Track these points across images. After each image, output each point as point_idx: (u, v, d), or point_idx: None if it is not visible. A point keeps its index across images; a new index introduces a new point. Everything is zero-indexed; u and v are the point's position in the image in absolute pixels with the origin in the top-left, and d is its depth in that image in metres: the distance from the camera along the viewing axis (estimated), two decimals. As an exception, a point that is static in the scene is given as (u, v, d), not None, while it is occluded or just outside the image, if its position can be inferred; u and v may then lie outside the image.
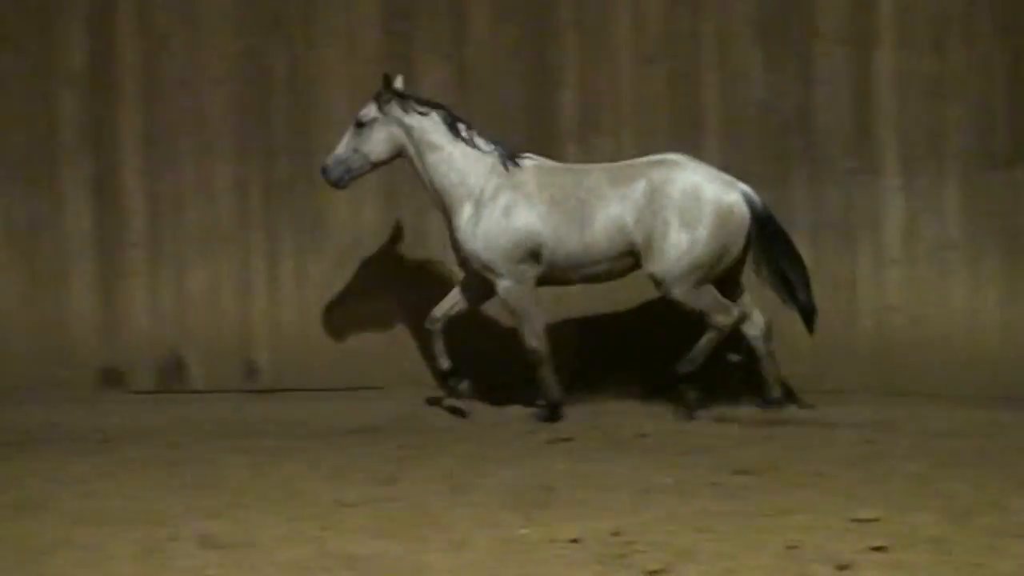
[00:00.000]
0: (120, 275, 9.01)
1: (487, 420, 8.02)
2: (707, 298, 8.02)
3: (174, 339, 9.05)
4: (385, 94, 8.17)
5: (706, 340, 8.05)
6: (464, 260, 8.22)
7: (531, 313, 8.15)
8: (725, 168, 8.17)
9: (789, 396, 8.27)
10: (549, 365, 8.16)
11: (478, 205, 8.09)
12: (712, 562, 5.15)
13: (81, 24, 8.87)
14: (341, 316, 9.05)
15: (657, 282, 8.02)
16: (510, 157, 8.21)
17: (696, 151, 8.40)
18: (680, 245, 7.90)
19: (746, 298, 8.15)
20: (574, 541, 5.42)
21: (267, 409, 8.47)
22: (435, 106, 8.25)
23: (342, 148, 8.19)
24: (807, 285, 8.12)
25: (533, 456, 7.10)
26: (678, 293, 7.98)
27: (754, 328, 8.17)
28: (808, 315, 8.13)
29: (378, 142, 8.17)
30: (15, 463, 7.01)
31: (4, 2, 8.80)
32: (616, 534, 5.51)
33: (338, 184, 8.24)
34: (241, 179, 9.02)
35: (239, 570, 5.16)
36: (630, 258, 8.09)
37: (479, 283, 8.22)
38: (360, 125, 8.18)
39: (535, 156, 8.29)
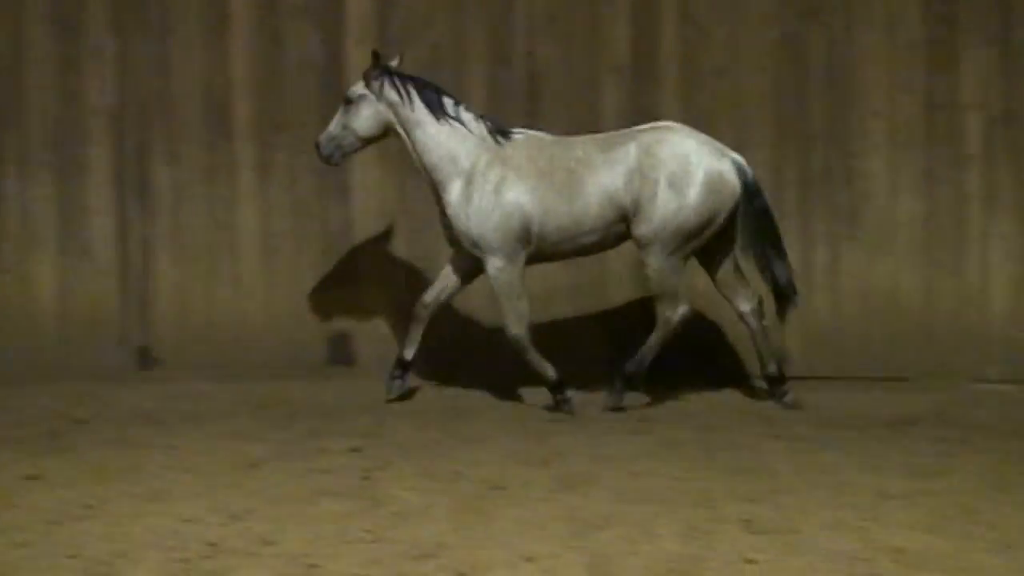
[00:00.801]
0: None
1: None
2: (672, 279, 7.86)
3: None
4: (372, 71, 8.13)
5: (653, 340, 7.93)
6: (454, 239, 8.12)
7: (518, 296, 7.99)
8: None
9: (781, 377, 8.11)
10: (533, 351, 8.01)
11: (468, 182, 7.99)
12: None
13: (626, 14, 9.10)
14: (869, 305, 8.98)
15: (640, 243, 7.86)
16: (499, 131, 8.12)
17: None
18: (668, 207, 7.75)
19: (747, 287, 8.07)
20: None
21: (800, 397, 8.44)
22: (423, 82, 8.19)
23: (333, 125, 8.21)
24: (786, 266, 7.95)
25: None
26: (653, 258, 7.81)
27: (746, 304, 8.04)
28: (783, 296, 7.97)
29: (365, 119, 8.14)
30: (562, 438, 7.32)
31: (555, -4, 9.16)
32: None
33: (329, 160, 8.26)
34: (777, 166, 9.03)
35: (783, 556, 5.19)
36: (622, 225, 7.93)
37: (468, 262, 8.13)
38: (349, 102, 8.18)
39: (524, 130, 8.22)
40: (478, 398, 8.44)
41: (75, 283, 9.15)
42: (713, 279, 8.16)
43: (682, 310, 7.90)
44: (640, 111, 9.05)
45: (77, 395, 8.38)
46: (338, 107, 8.18)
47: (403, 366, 8.30)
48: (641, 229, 7.83)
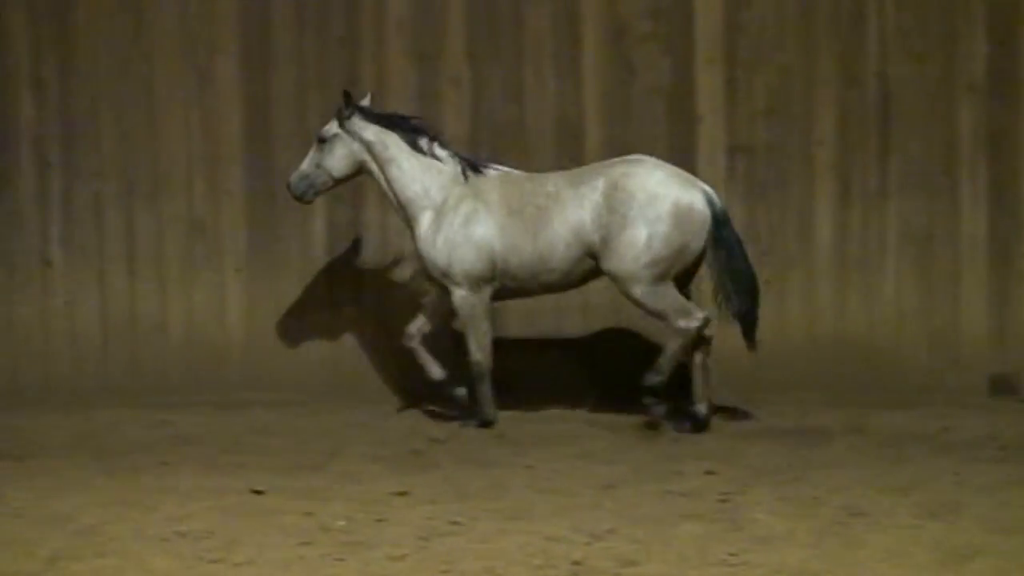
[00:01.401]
0: (1014, 282, 8.94)
1: None
2: (668, 299, 7.90)
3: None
4: (346, 110, 8.26)
5: (670, 348, 7.96)
6: (425, 269, 8.32)
7: (481, 326, 8.18)
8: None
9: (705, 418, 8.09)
10: (488, 381, 8.20)
11: (439, 214, 8.16)
12: None
13: (983, 30, 8.89)
14: None
15: (614, 278, 7.97)
16: (473, 167, 8.26)
17: None
18: (637, 241, 7.82)
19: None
20: None
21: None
22: (396, 120, 8.33)
23: (306, 164, 8.37)
24: (753, 296, 8.03)
25: None
26: (637, 292, 7.90)
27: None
28: (747, 325, 8.04)
29: (340, 158, 8.30)
30: (921, 465, 7.16)
31: (909, 15, 8.97)
32: None
33: (302, 199, 8.43)
34: None
35: None
36: (590, 261, 8.03)
37: (446, 294, 8.26)
38: (322, 141, 8.32)
39: (499, 166, 8.35)
40: (823, 422, 8.32)
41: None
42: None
43: (700, 315, 7.92)
44: (998, 131, 8.86)
45: (433, 416, 8.65)
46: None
47: (444, 383, 8.47)
48: (612, 263, 7.92)
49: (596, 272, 8.13)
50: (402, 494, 6.62)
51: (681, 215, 7.88)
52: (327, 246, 9.45)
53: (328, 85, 9.31)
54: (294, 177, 8.42)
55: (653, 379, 8.02)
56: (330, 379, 9.38)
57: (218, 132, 9.33)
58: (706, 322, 7.96)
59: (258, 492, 6.68)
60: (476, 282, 8.14)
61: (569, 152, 9.27)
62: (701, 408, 8.11)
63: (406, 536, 5.88)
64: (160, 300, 9.42)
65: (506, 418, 8.45)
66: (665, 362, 8.01)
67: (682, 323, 7.90)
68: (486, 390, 8.25)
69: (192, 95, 9.32)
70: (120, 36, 9.26)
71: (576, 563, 5.49)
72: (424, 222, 8.22)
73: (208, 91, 9.33)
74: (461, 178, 8.26)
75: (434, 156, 8.30)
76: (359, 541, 5.82)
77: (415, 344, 8.43)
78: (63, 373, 9.37)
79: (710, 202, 7.97)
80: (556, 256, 8.04)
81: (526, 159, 9.28)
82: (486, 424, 8.25)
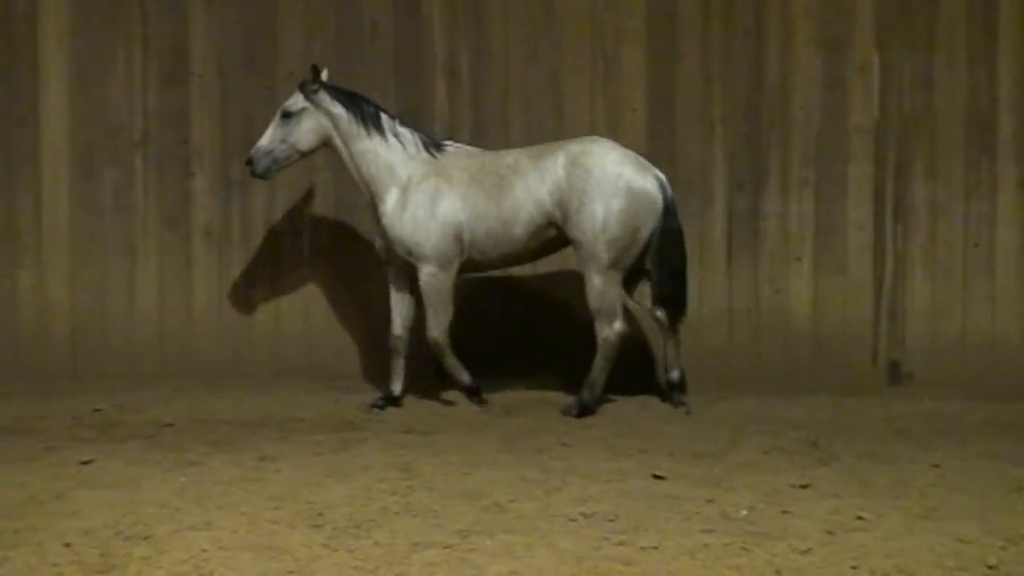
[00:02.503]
0: None
1: None
2: (609, 294, 8.08)
3: None
4: (311, 84, 8.30)
5: (599, 361, 8.17)
6: (389, 247, 8.36)
7: (444, 304, 8.30)
8: None
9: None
10: (451, 355, 8.41)
11: (404, 191, 8.24)
12: None
13: None
14: None
15: (578, 255, 8.13)
16: (433, 144, 8.38)
17: None
18: (596, 216, 7.99)
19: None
20: None
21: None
22: (357, 97, 8.36)
23: (267, 139, 8.33)
24: (683, 288, 8.28)
25: None
26: (595, 274, 8.05)
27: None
28: (674, 310, 8.30)
29: (306, 132, 8.33)
30: None
31: None
32: None
33: (265, 176, 8.42)
34: None
35: None
36: (549, 231, 8.18)
37: (404, 275, 8.43)
38: (287, 115, 8.31)
39: (457, 143, 8.52)
40: None
41: (830, 297, 9.32)
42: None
43: (618, 327, 8.12)
44: None
45: (830, 407, 8.55)
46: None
47: (392, 402, 8.55)
48: (574, 235, 8.09)
49: (555, 245, 8.34)
50: (804, 486, 6.55)
51: (635, 195, 8.08)
52: (726, 234, 9.43)
53: (733, 76, 9.32)
54: (256, 153, 8.42)
55: (588, 398, 8.25)
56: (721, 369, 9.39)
57: (622, 121, 9.43)
58: (624, 335, 8.18)
59: (659, 477, 6.74)
60: (444, 259, 8.29)
61: (979, 142, 9.04)
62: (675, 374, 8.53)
63: (811, 529, 5.81)
64: (559, 283, 9.59)
65: (908, 412, 8.30)
66: (597, 375, 8.23)
67: (606, 331, 8.15)
68: (451, 363, 8.49)
69: (598, 84, 9.46)
70: (530, 26, 9.46)
71: (991, 567, 5.32)
72: (390, 200, 8.36)
73: (614, 80, 9.44)
74: (423, 155, 8.40)
75: (397, 133, 8.41)
76: (763, 532, 5.78)
77: (401, 347, 8.60)
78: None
79: (662, 188, 8.14)
80: (520, 221, 8.20)
81: (933, 149, 9.10)
82: (472, 391, 8.52)
